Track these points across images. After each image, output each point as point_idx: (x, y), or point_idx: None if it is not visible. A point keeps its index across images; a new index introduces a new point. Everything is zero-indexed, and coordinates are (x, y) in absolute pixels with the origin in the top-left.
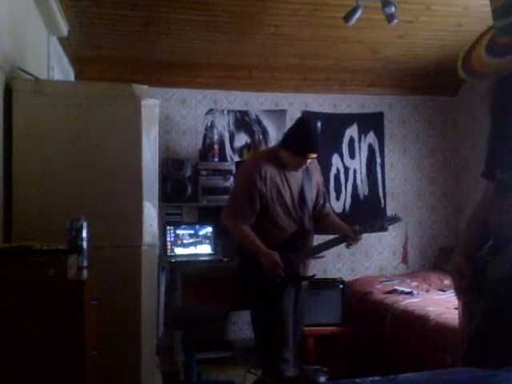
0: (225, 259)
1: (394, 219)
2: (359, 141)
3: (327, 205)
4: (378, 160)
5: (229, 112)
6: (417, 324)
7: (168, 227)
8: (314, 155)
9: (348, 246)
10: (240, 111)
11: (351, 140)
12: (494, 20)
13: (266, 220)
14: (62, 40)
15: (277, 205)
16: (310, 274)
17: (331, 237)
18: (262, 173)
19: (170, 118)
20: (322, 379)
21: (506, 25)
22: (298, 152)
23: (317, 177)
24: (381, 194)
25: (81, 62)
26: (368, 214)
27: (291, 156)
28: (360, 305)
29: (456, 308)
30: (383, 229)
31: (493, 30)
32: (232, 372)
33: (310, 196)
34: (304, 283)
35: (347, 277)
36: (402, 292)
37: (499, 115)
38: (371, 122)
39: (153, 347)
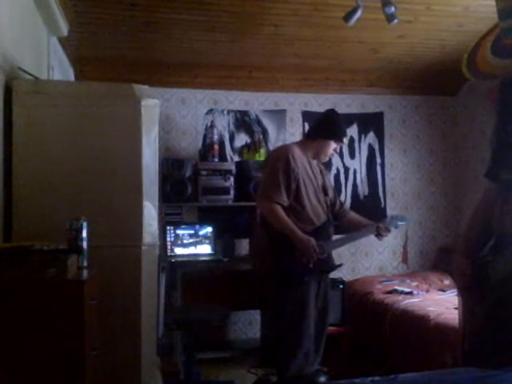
0: (225, 259)
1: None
2: (359, 141)
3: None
4: (378, 160)
5: (229, 112)
6: (417, 324)
7: (168, 227)
8: (346, 140)
9: (380, 238)
10: (240, 111)
11: (351, 140)
12: (499, 20)
13: (299, 204)
14: (61, 40)
15: (308, 188)
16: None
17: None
18: (295, 155)
19: (170, 117)
20: (322, 379)
21: None
22: (337, 137)
23: (328, 178)
24: (381, 194)
25: (81, 62)
26: (368, 214)
27: (328, 143)
28: (360, 305)
29: (456, 308)
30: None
31: (495, 31)
32: (232, 372)
33: (330, 192)
34: (328, 278)
35: (347, 277)
36: (402, 292)
37: (505, 116)
38: (371, 122)
39: (153, 347)
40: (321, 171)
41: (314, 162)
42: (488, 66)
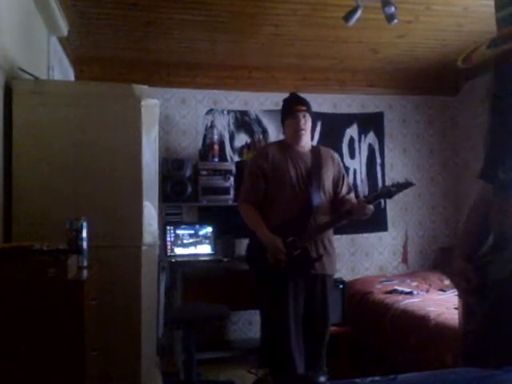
0: (225, 259)
1: (404, 185)
2: (359, 141)
3: (351, 194)
4: (378, 160)
5: (229, 112)
6: (417, 324)
7: (168, 227)
8: (302, 106)
9: (361, 217)
10: (240, 111)
11: (351, 140)
12: (496, 12)
13: (273, 197)
14: (61, 40)
15: (281, 179)
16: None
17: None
18: (264, 151)
19: (170, 117)
20: (322, 379)
21: (507, 14)
22: (288, 113)
23: (331, 165)
24: None
25: (81, 62)
26: None
27: (286, 125)
28: (360, 305)
29: (456, 308)
30: (391, 196)
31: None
32: (232, 372)
33: (321, 180)
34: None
35: (347, 277)
36: (402, 292)
37: (500, 115)
38: (371, 122)
39: (153, 347)
40: (318, 158)
41: (305, 153)
42: (480, 57)
